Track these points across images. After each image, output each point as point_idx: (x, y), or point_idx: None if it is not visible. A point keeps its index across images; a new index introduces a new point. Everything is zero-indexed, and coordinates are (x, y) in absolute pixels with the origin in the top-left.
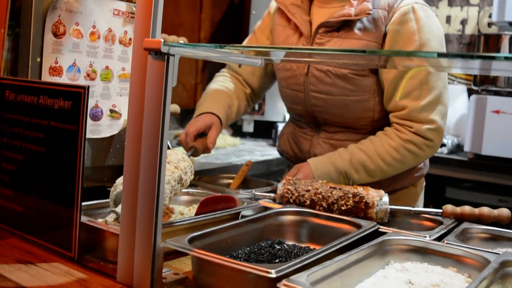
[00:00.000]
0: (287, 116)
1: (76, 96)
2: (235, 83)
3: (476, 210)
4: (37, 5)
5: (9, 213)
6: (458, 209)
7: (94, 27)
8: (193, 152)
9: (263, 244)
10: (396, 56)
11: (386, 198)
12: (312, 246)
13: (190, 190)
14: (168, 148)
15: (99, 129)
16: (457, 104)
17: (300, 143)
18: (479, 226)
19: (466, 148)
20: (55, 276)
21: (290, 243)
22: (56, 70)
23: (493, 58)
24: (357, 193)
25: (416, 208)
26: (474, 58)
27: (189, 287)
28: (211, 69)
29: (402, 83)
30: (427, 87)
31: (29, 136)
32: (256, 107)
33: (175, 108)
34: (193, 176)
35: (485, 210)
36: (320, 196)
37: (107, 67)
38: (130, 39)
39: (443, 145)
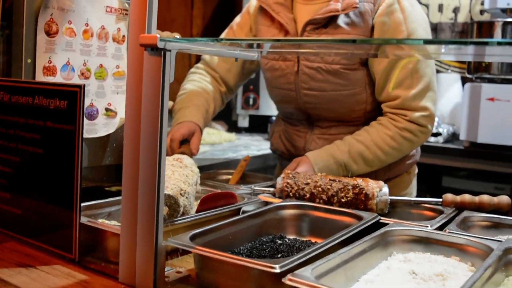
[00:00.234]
0: None
1: (72, 96)
2: (211, 82)
3: (476, 198)
4: (28, 4)
5: (7, 216)
6: (458, 198)
7: (87, 25)
8: None
9: (264, 239)
10: (387, 44)
11: (386, 189)
12: (313, 240)
13: None
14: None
15: (95, 128)
16: (452, 92)
17: (294, 141)
18: (480, 214)
19: (462, 136)
20: (56, 278)
21: (291, 237)
22: (50, 70)
23: (486, 43)
24: (357, 185)
25: (416, 198)
26: (467, 44)
27: (192, 285)
28: None
29: (394, 73)
30: (417, 75)
31: (25, 138)
32: (251, 101)
33: (169, 103)
34: None
35: (485, 198)
36: (320, 189)
37: (101, 65)
38: (123, 36)
39: (438, 134)
